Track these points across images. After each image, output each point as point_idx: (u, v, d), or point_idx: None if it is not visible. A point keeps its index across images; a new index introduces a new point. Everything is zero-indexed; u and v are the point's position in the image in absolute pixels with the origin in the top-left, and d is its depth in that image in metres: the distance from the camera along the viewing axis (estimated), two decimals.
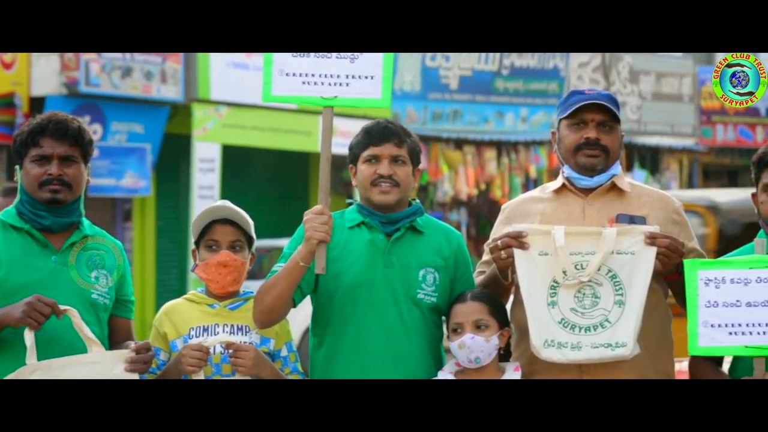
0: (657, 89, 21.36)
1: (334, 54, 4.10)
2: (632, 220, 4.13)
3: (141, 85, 14.89)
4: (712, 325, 3.87)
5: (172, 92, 15.28)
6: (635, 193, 4.24)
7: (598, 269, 3.98)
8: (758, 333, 3.83)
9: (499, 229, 4.27)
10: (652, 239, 3.97)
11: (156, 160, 15.57)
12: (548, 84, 19.65)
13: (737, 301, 3.87)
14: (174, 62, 15.23)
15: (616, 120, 4.21)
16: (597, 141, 4.17)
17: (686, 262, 3.96)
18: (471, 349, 4.01)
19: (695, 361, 4.11)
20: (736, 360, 4.06)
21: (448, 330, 4.12)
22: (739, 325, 3.85)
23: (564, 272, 4.00)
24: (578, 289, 4.00)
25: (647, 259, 3.96)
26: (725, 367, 4.16)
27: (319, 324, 4.21)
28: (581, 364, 4.02)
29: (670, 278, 4.06)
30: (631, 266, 3.97)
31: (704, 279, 3.91)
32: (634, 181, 4.38)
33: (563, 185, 4.27)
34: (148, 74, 14.97)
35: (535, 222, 4.15)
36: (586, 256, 4.00)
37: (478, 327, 4.04)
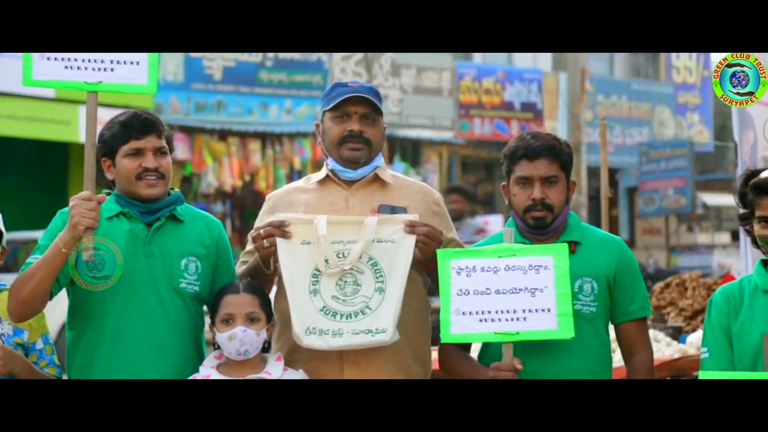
0: (418, 83, 21.82)
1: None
2: (394, 210, 4.22)
3: None
4: (463, 313, 3.98)
5: None
6: (397, 185, 4.34)
7: (360, 257, 4.05)
8: (507, 319, 3.96)
9: (262, 219, 4.29)
10: (411, 227, 4.07)
11: None
12: (312, 76, 19.78)
13: (487, 288, 3.99)
14: None
15: (379, 113, 4.29)
16: (360, 133, 4.24)
17: (439, 251, 4.05)
18: (242, 342, 4.01)
19: (445, 348, 4.21)
20: (486, 346, 4.21)
21: (215, 320, 4.11)
22: (489, 312, 3.97)
23: (326, 261, 4.06)
24: (340, 277, 4.06)
25: (407, 246, 4.06)
26: (474, 354, 4.30)
27: (77, 316, 4.12)
28: (342, 351, 4.08)
29: (429, 267, 4.15)
30: (392, 254, 4.06)
31: (456, 268, 4.02)
32: (396, 173, 4.48)
33: (327, 176, 4.32)
34: None
35: (299, 212, 4.19)
36: (348, 245, 4.07)
37: (251, 320, 4.05)
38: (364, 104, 4.25)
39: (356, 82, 4.32)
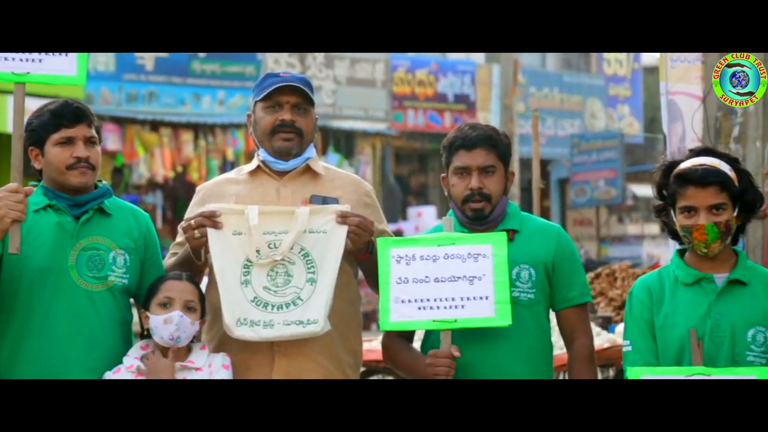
0: (351, 74, 21.81)
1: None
2: (325, 201, 4.22)
3: None
4: (402, 301, 4.00)
5: None
6: (329, 176, 4.34)
7: (291, 248, 4.05)
8: (445, 307, 3.99)
9: (193, 210, 4.27)
10: (343, 218, 4.07)
11: None
12: (245, 67, 19.68)
13: (426, 277, 4.02)
14: None
15: (311, 103, 4.29)
16: (292, 123, 4.24)
17: (379, 240, 4.08)
18: (177, 327, 4.00)
19: (388, 337, 4.24)
20: (428, 335, 4.23)
21: (150, 305, 4.07)
22: (428, 300, 4.00)
23: (258, 251, 4.05)
24: (271, 268, 4.06)
25: (338, 237, 4.06)
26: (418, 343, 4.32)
27: (2, 310, 4.05)
28: (273, 342, 4.07)
29: (361, 257, 4.17)
30: (323, 245, 4.06)
31: (396, 256, 4.04)
32: (328, 164, 4.48)
33: (258, 167, 4.31)
34: None
35: (230, 203, 4.18)
36: (279, 235, 4.07)
37: (188, 308, 4.04)
38: (296, 94, 4.25)
39: (288, 73, 4.32)
